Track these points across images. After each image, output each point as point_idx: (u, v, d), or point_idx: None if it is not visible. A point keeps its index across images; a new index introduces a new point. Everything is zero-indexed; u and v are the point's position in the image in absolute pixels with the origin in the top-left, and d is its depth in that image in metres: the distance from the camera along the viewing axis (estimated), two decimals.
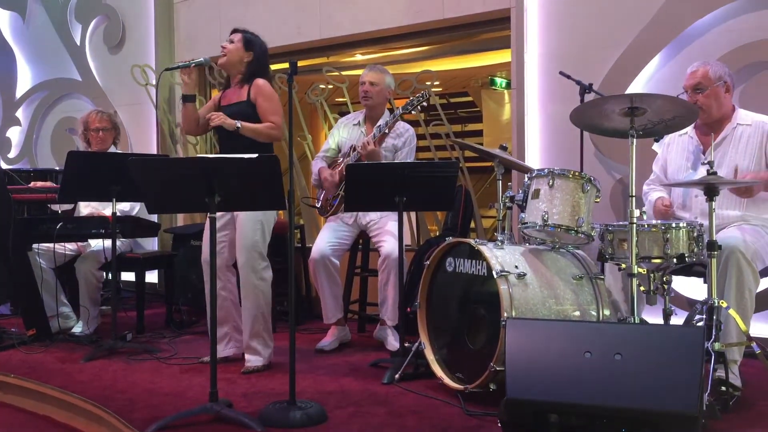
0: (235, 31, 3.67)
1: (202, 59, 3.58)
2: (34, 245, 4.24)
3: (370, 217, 3.99)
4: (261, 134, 3.53)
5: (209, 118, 3.51)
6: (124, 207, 4.49)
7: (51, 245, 4.18)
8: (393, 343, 3.84)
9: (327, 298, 3.97)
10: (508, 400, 2.51)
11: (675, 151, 3.39)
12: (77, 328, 4.37)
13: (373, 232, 3.98)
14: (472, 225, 4.66)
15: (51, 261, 4.28)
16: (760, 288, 3.05)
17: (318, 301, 4.07)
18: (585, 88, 3.86)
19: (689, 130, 3.31)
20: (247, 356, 3.58)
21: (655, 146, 3.61)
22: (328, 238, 3.95)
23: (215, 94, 3.85)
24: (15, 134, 7.15)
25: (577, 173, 3.03)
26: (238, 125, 3.47)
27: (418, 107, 3.90)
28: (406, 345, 3.40)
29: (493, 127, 8.14)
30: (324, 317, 4.02)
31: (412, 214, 4.89)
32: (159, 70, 5.95)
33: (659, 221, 2.99)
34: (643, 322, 2.86)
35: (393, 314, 3.81)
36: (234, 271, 3.67)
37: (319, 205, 4.19)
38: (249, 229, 3.51)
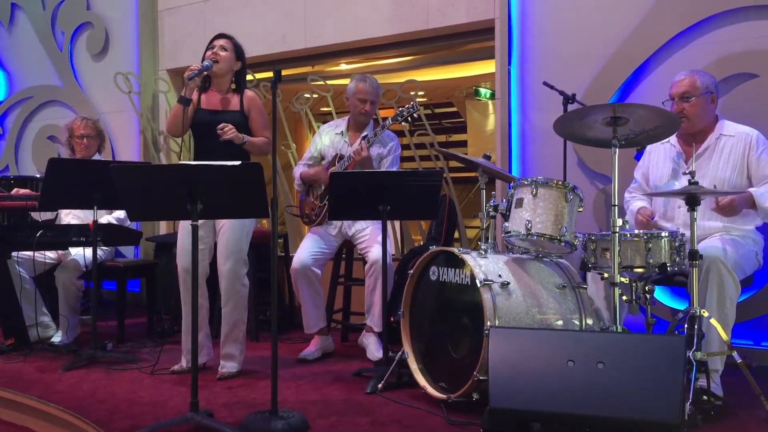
0: (222, 36, 3.66)
1: (208, 63, 3.55)
2: (14, 253, 4.19)
3: (357, 227, 3.99)
4: (259, 149, 3.62)
5: (221, 129, 3.48)
6: (119, 215, 4.45)
7: (31, 253, 4.14)
8: (374, 353, 3.82)
9: (308, 308, 3.95)
10: (491, 409, 2.51)
11: (657, 159, 3.42)
12: (57, 338, 4.31)
13: (359, 241, 3.97)
14: (457, 235, 4.67)
15: (30, 269, 4.23)
16: (741, 298, 3.07)
17: (300, 310, 4.05)
18: (568, 99, 3.89)
19: (671, 138, 3.33)
20: (222, 362, 3.57)
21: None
22: (310, 248, 3.93)
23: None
24: None
25: (560, 182, 3.04)
26: (245, 140, 3.53)
27: (408, 118, 3.92)
28: (390, 354, 3.38)
29: (478, 137, 8.19)
30: (305, 327, 4.00)
31: (397, 225, 4.88)
32: (143, 78, 5.93)
33: (641, 231, 3.00)
34: (625, 331, 2.87)
35: (379, 321, 3.79)
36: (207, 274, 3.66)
37: (303, 215, 4.17)
38: (236, 235, 3.52)
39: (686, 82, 3.24)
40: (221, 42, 3.62)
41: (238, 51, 3.65)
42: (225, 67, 3.60)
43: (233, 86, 3.68)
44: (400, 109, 3.87)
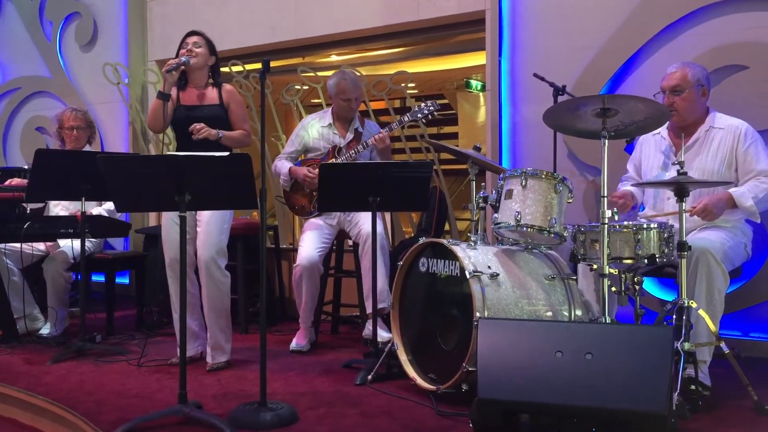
0: (194, 33, 3.68)
1: (186, 59, 3.57)
2: (1, 245, 4.17)
3: (351, 213, 3.99)
4: (238, 142, 3.65)
5: (193, 129, 3.50)
6: (109, 206, 4.42)
7: (18, 245, 4.11)
8: (384, 334, 3.70)
9: (309, 303, 3.92)
10: (479, 400, 2.51)
11: (648, 150, 3.42)
12: (45, 330, 4.29)
13: (352, 225, 3.96)
14: (447, 227, 4.67)
15: (18, 261, 4.21)
16: (729, 289, 3.08)
17: (290, 302, 4.04)
18: (558, 90, 3.88)
19: (662, 130, 3.33)
20: (212, 353, 3.57)
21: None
22: (315, 244, 3.89)
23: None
24: None
25: (549, 174, 3.04)
26: (221, 135, 3.54)
27: (429, 116, 3.92)
28: (379, 346, 3.38)
29: (469, 129, 8.17)
30: (303, 320, 3.97)
31: (387, 216, 4.87)
32: (132, 69, 5.89)
33: (631, 222, 3.01)
34: (614, 322, 2.88)
35: (386, 297, 3.70)
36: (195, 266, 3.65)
37: (294, 207, 4.15)
38: (216, 226, 3.53)
39: (677, 75, 3.23)
40: (194, 39, 3.65)
41: (210, 46, 3.69)
42: (201, 62, 3.63)
43: (210, 81, 3.71)
44: (421, 106, 3.87)
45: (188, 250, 3.56)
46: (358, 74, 4.84)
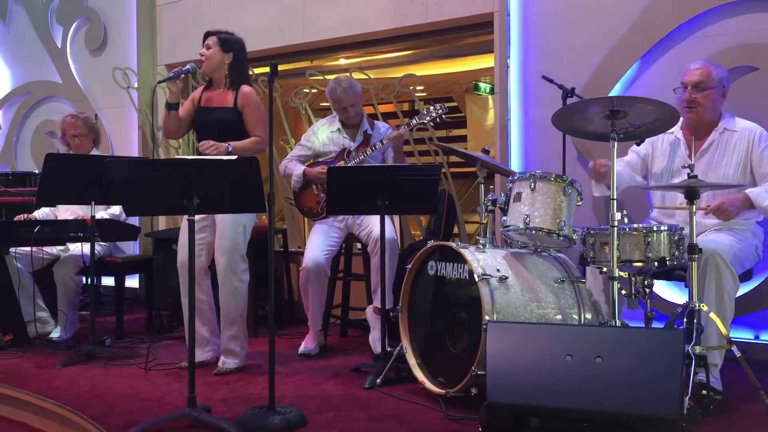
0: (208, 34, 3.65)
1: (189, 67, 3.55)
2: (12, 249, 4.19)
3: (360, 217, 3.98)
4: (249, 151, 3.54)
5: (203, 149, 3.47)
6: (114, 211, 4.44)
7: (29, 249, 4.13)
8: (375, 342, 3.75)
9: (316, 307, 3.92)
10: (488, 404, 2.50)
11: (660, 149, 3.38)
12: (55, 334, 4.31)
13: (362, 229, 3.95)
14: (456, 230, 4.65)
15: (29, 265, 4.22)
16: (741, 292, 3.05)
17: (299, 305, 4.04)
18: (567, 93, 3.86)
19: (676, 130, 3.30)
20: (222, 358, 3.57)
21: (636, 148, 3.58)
22: (321, 246, 3.89)
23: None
24: None
25: (558, 176, 3.02)
26: (230, 148, 3.48)
27: (438, 119, 3.91)
28: (388, 349, 3.38)
29: (478, 132, 8.15)
30: (312, 324, 3.97)
31: (396, 219, 4.86)
32: (141, 73, 5.92)
33: (641, 225, 2.98)
34: (623, 325, 2.86)
35: (389, 296, 3.73)
36: (209, 273, 3.64)
37: (304, 208, 4.15)
38: (230, 230, 3.51)
39: (702, 72, 3.19)
40: (206, 41, 3.62)
41: (224, 44, 3.60)
42: (214, 62, 3.59)
43: (227, 81, 3.63)
44: (429, 109, 3.87)
45: (203, 255, 3.58)
46: (366, 77, 4.86)
